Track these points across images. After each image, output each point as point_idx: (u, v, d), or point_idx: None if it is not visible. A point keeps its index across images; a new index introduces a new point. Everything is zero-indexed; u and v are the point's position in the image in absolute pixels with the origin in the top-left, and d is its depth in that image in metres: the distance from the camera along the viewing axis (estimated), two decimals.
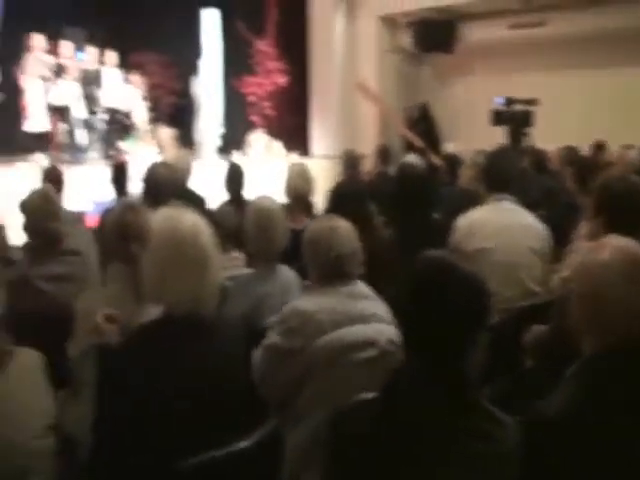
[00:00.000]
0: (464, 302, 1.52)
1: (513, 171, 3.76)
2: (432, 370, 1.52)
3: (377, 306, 2.41)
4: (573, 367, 1.71)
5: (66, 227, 3.33)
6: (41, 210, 3.19)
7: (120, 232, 2.60)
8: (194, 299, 1.97)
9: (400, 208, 3.92)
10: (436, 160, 8.28)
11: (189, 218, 2.06)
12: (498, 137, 6.94)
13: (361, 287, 2.43)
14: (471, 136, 8.12)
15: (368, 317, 2.35)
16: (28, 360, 1.86)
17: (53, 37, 9.91)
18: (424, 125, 10.11)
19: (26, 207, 3.24)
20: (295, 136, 10.84)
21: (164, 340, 1.96)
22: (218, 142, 11.54)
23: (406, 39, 10.05)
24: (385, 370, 2.23)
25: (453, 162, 6.26)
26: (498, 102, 7.52)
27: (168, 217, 2.09)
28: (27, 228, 3.24)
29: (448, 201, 4.88)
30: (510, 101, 7.30)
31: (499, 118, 7.40)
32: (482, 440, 1.51)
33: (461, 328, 1.53)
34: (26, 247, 3.40)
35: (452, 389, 1.52)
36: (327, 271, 2.41)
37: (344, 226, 2.49)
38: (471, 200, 3.97)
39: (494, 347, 1.67)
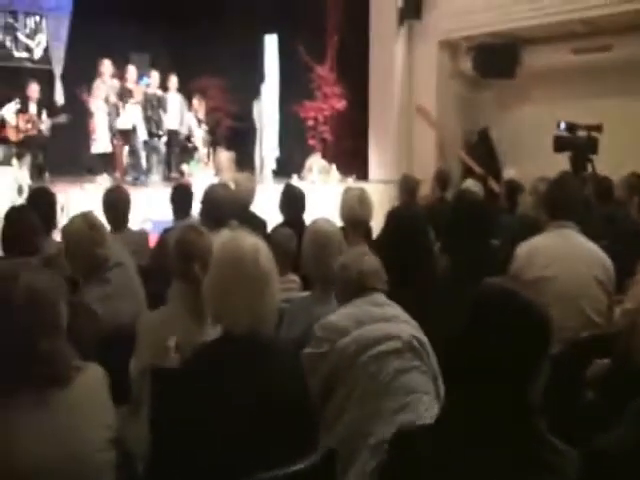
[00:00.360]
0: (526, 329, 1.50)
1: (576, 198, 3.69)
2: (493, 399, 1.50)
3: (398, 311, 2.55)
4: (636, 401, 1.67)
5: (110, 249, 3.31)
6: (86, 237, 3.14)
7: (182, 252, 2.65)
8: (253, 318, 2.00)
9: (458, 235, 3.88)
10: (495, 186, 8.19)
11: (250, 239, 2.09)
12: (560, 164, 6.81)
13: (383, 297, 2.57)
14: (532, 162, 7.99)
15: (390, 318, 2.49)
16: (94, 376, 1.90)
17: (119, 62, 10.26)
18: (484, 151, 10.01)
19: (70, 234, 3.19)
20: (352, 160, 10.88)
21: (223, 359, 1.98)
22: (274, 165, 11.69)
23: (466, 64, 10.00)
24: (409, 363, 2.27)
25: (513, 189, 6.17)
26: (561, 128, 7.39)
27: (229, 238, 2.13)
28: (72, 255, 3.17)
29: (507, 228, 4.82)
30: (573, 127, 7.16)
31: (561, 144, 7.27)
32: (544, 471, 1.48)
33: (523, 356, 1.51)
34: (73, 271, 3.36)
35: (515, 418, 1.49)
36: (352, 288, 2.58)
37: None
38: (531, 227, 3.91)
39: (555, 377, 1.64)
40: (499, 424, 1.48)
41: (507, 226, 4.93)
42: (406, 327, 2.47)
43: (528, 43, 9.41)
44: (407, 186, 5.96)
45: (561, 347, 2.72)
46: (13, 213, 3.86)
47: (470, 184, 6.31)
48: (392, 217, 4.22)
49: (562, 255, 3.27)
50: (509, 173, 7.59)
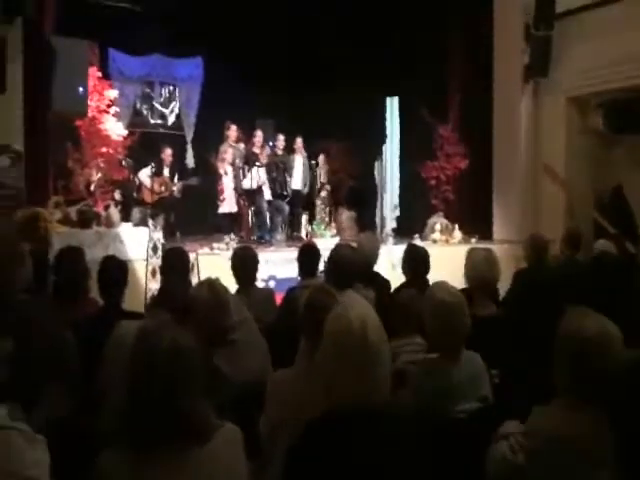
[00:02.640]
0: None
1: None
2: None
3: None
4: None
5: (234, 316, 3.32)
6: (212, 307, 3.17)
7: (312, 312, 2.66)
8: (363, 395, 1.97)
9: (598, 302, 3.67)
10: (631, 247, 7.77)
11: (358, 310, 2.06)
12: None
13: None
14: None
15: None
16: (230, 434, 1.92)
17: (245, 127, 10.73)
18: (617, 210, 9.56)
19: (196, 303, 3.20)
20: (476, 220, 10.70)
21: (331, 435, 1.96)
22: (395, 225, 11.70)
23: (596, 120, 9.68)
24: None
25: None
26: None
27: (337, 311, 2.11)
28: (198, 322, 3.09)
29: None
30: None
31: None
32: None
33: None
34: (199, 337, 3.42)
35: None
36: None
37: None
38: None
39: None
40: None
41: None
42: None
43: None
44: (535, 246, 5.74)
45: None
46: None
47: (604, 244, 6.02)
48: (522, 278, 4.09)
49: None
50: None
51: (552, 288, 3.57)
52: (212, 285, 3.29)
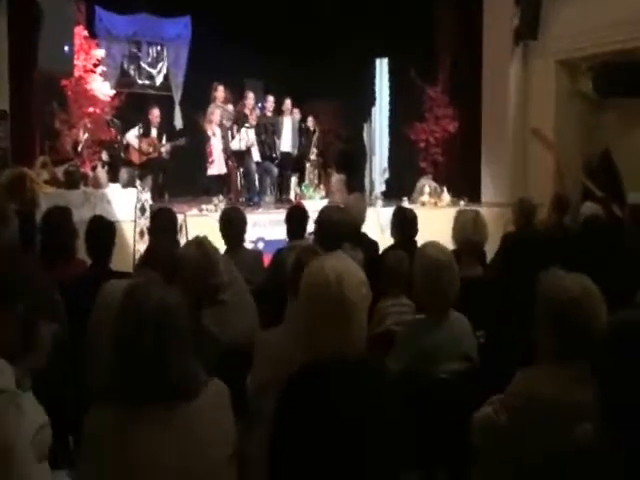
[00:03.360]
0: None
1: None
2: None
3: None
4: None
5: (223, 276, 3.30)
6: (201, 266, 3.14)
7: (299, 272, 2.67)
8: (338, 348, 2.00)
9: (584, 264, 3.71)
10: (618, 211, 7.81)
11: (335, 268, 2.07)
12: None
13: None
14: None
15: None
16: (218, 391, 1.95)
17: (234, 88, 10.62)
18: (605, 173, 9.58)
19: (185, 262, 3.17)
20: (464, 183, 10.71)
21: (310, 388, 2.00)
22: (384, 188, 11.70)
23: (586, 83, 9.64)
24: None
25: (637, 213, 5.87)
26: None
27: (314, 267, 2.13)
28: (186, 281, 3.10)
29: (631, 256, 4.57)
30: None
31: None
32: None
33: None
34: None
35: None
36: None
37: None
38: None
39: None
40: None
41: (631, 253, 4.68)
42: None
43: None
44: (523, 210, 5.76)
45: None
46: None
47: (591, 207, 6.06)
48: (509, 241, 4.11)
49: None
50: (634, 197, 7.22)
51: (539, 251, 3.59)
52: (201, 243, 3.30)
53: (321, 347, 2.03)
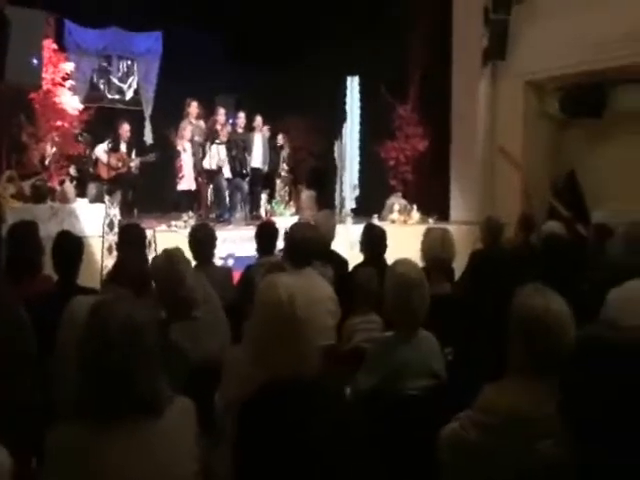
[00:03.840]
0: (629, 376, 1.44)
1: None
2: None
3: None
4: None
5: (197, 286, 3.30)
6: (170, 276, 3.13)
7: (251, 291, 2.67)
8: (291, 368, 2.02)
9: (547, 280, 3.76)
10: (583, 230, 7.94)
11: (288, 285, 2.09)
12: None
13: None
14: (621, 204, 7.73)
15: None
16: (183, 407, 1.94)
17: (205, 103, 10.62)
18: (570, 193, 9.77)
19: (156, 272, 3.17)
20: (434, 201, 10.81)
21: (266, 407, 2.01)
22: (354, 205, 11.74)
23: (553, 104, 9.83)
24: None
25: (602, 232, 5.96)
26: None
27: (267, 285, 2.15)
28: (160, 292, 3.15)
29: (595, 274, 4.65)
30: None
31: None
32: None
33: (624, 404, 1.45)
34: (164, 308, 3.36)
35: None
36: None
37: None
38: (621, 273, 3.75)
39: None
40: None
41: (595, 272, 4.75)
42: None
43: (617, 82, 9.18)
44: (491, 228, 5.85)
45: None
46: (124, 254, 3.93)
47: (554, 226, 6.14)
48: (476, 260, 4.16)
49: None
50: (597, 216, 7.36)
51: (505, 269, 3.64)
52: (170, 255, 3.29)
53: (276, 367, 2.04)
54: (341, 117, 12.08)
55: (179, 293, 3.16)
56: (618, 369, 1.49)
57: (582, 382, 1.53)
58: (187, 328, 3.14)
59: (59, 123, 8.65)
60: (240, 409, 2.04)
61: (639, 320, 3.01)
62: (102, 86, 12.52)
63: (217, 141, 9.79)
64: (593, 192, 9.56)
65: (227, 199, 9.93)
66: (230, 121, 10.68)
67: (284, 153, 11.22)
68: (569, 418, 1.56)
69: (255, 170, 10.54)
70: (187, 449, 1.89)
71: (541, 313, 2.17)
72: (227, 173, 10.02)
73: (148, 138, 12.32)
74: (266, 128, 10.94)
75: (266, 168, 10.78)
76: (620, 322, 3.00)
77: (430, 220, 10.07)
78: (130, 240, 4.63)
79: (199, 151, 9.87)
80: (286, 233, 4.42)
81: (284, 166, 11.26)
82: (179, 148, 9.80)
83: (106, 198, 8.11)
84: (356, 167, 12.25)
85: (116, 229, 7.05)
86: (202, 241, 4.74)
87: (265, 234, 4.92)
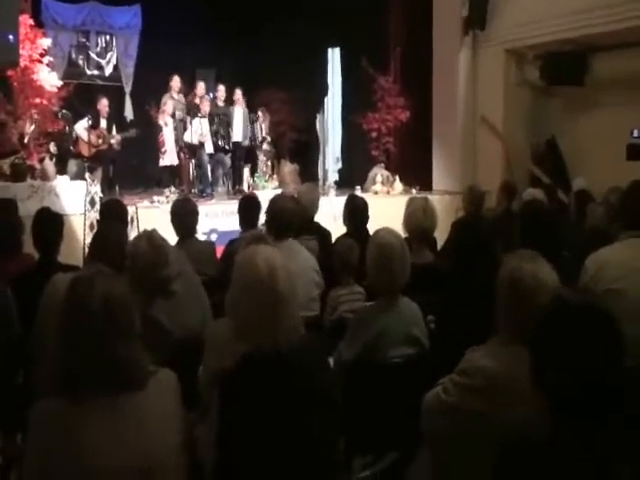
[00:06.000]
0: (606, 342, 1.46)
1: None
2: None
3: None
4: None
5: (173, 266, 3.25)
6: (151, 260, 3.09)
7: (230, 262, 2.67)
8: (272, 338, 2.02)
9: (527, 247, 3.78)
10: (564, 197, 8.00)
11: (268, 257, 2.09)
12: (631, 173, 6.60)
13: None
14: (601, 172, 7.77)
15: None
16: (166, 380, 1.95)
17: (185, 78, 10.51)
18: (551, 161, 9.80)
19: (135, 256, 3.11)
20: (416, 171, 10.82)
21: (246, 379, 2.03)
22: (337, 177, 11.73)
23: (533, 72, 9.82)
24: None
25: (583, 199, 6.02)
26: (634, 135, 7.16)
27: (246, 257, 2.14)
28: (137, 275, 3.04)
29: (577, 240, 4.69)
30: None
31: (635, 152, 7.04)
32: None
33: (596, 368, 1.47)
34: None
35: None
36: None
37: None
38: (602, 239, 3.79)
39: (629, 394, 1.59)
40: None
41: (577, 238, 4.80)
42: None
43: (598, 50, 9.18)
44: (473, 197, 5.88)
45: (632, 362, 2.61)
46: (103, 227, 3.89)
47: (534, 193, 6.18)
48: (459, 228, 4.18)
49: (634, 267, 3.13)
50: (578, 183, 7.41)
51: (486, 237, 3.66)
52: (151, 237, 3.25)
53: (256, 337, 2.04)
54: (322, 89, 12.02)
55: (161, 273, 3.15)
56: (583, 332, 1.50)
57: (549, 345, 1.54)
58: (166, 304, 3.14)
59: (37, 100, 8.52)
60: (222, 380, 2.05)
61: (612, 285, 3.06)
62: (81, 62, 12.33)
63: (199, 115, 9.71)
64: (574, 159, 9.61)
65: (209, 174, 9.88)
66: (210, 95, 10.59)
67: (264, 126, 11.14)
68: (538, 381, 1.58)
69: (236, 144, 10.48)
70: (171, 421, 1.90)
71: (529, 279, 2.19)
72: (209, 148, 9.95)
73: (129, 114, 12.18)
74: (243, 100, 10.83)
75: (247, 142, 10.71)
76: (594, 287, 3.04)
77: (413, 190, 10.09)
78: (111, 215, 4.60)
79: (180, 126, 9.79)
80: (267, 206, 4.42)
81: (266, 138, 11.19)
82: (161, 123, 9.71)
83: (87, 175, 8.05)
84: (338, 139, 12.22)
85: (97, 206, 7.02)
86: (184, 216, 4.72)
87: (247, 208, 4.90)
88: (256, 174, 10.62)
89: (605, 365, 1.50)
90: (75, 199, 7.38)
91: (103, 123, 9.69)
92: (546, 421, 1.56)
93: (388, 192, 10.26)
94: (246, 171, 10.80)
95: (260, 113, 11.09)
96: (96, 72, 12.50)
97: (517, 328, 2.17)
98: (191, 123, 9.70)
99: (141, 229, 6.47)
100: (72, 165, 9.19)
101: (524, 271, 2.21)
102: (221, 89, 10.51)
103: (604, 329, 1.50)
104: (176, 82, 10.05)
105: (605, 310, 1.54)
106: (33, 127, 8.36)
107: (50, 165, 7.85)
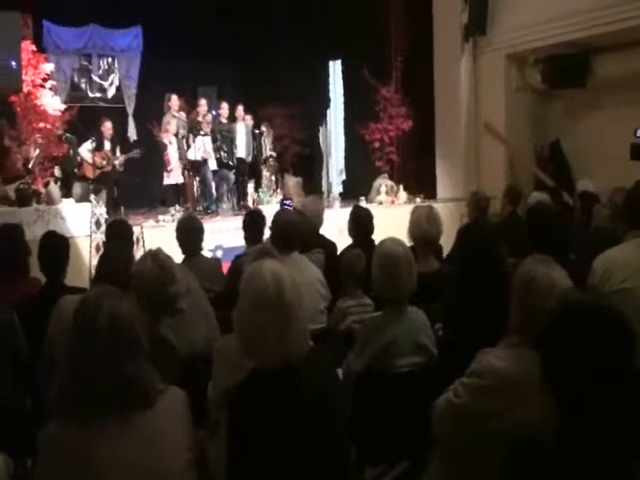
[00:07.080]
0: (610, 340, 1.46)
1: None
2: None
3: None
4: None
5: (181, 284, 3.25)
6: (158, 279, 3.09)
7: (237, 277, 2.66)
8: (281, 352, 2.00)
9: (534, 250, 3.77)
10: (569, 199, 7.97)
11: (273, 270, 2.07)
12: (636, 173, 6.58)
13: None
14: (606, 173, 7.75)
15: None
16: (175, 398, 1.95)
17: (187, 96, 10.56)
18: (556, 164, 9.79)
19: (141, 276, 3.11)
20: (420, 180, 10.82)
21: (255, 395, 2.01)
22: (341, 189, 11.75)
23: (535, 76, 9.82)
24: None
25: (588, 201, 5.99)
26: (638, 135, 7.13)
27: (252, 270, 2.12)
28: (144, 295, 3.05)
29: (584, 242, 4.67)
30: None
31: (639, 152, 7.01)
32: None
33: (607, 367, 1.47)
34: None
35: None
36: None
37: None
38: (608, 240, 3.77)
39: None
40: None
41: (583, 239, 4.78)
42: None
43: (599, 52, 9.18)
44: (478, 203, 5.88)
45: None
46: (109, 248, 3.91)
47: (539, 196, 6.17)
48: (464, 234, 4.16)
49: None
50: (583, 185, 7.38)
51: (491, 241, 3.64)
52: (156, 256, 3.25)
53: (264, 353, 2.02)
54: (324, 102, 12.07)
55: (168, 291, 3.15)
56: (594, 332, 1.50)
57: (561, 344, 1.54)
58: (173, 322, 3.13)
59: (41, 125, 8.60)
60: (231, 396, 2.04)
61: (620, 284, 3.05)
62: (83, 85, 12.43)
63: (201, 133, 9.74)
64: (578, 161, 9.59)
65: (214, 191, 9.89)
66: (213, 112, 10.64)
67: (267, 141, 11.17)
68: (550, 380, 1.57)
69: (240, 160, 10.50)
70: (180, 439, 1.90)
71: (544, 281, 2.19)
72: (213, 165, 9.97)
73: (132, 135, 12.25)
74: (249, 117, 10.88)
75: (250, 158, 10.74)
76: (603, 288, 3.03)
77: (417, 199, 10.08)
78: (116, 235, 4.62)
79: (184, 144, 9.83)
80: (272, 220, 4.42)
81: (269, 154, 11.22)
82: (165, 141, 9.75)
83: (92, 197, 8.09)
84: (341, 151, 12.26)
85: (103, 228, 7.04)
86: (189, 233, 4.73)
87: (252, 223, 4.91)
88: (260, 189, 10.64)
89: (617, 364, 1.49)
90: (81, 221, 7.41)
91: (107, 145, 9.74)
92: (557, 420, 1.55)
93: (392, 202, 10.25)
94: (250, 186, 10.83)
95: (264, 128, 11.13)
96: (99, 94, 12.59)
97: (532, 330, 2.16)
98: (194, 141, 9.73)
99: (147, 248, 6.49)
100: (77, 188, 9.22)
101: (539, 274, 2.21)
102: (224, 106, 10.54)
103: (616, 328, 1.49)
104: (174, 101, 10.10)
105: (617, 310, 1.53)
106: (37, 152, 8.42)
107: (55, 189, 7.88)
